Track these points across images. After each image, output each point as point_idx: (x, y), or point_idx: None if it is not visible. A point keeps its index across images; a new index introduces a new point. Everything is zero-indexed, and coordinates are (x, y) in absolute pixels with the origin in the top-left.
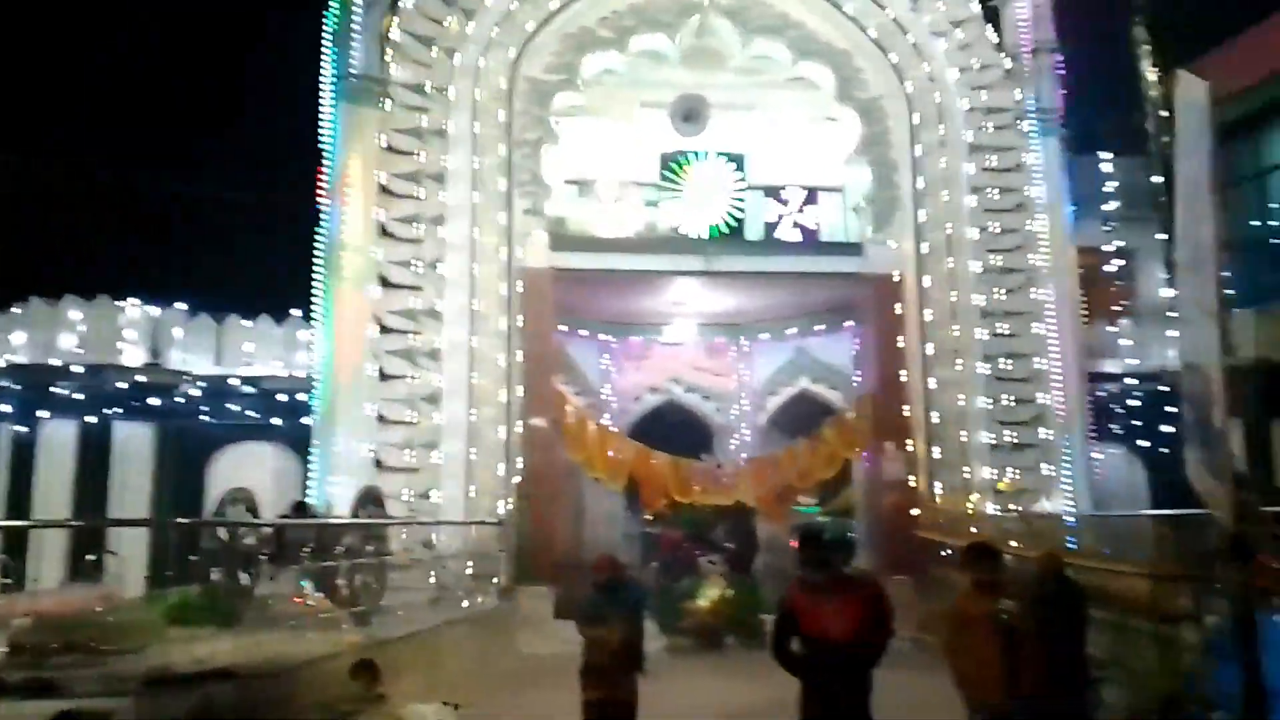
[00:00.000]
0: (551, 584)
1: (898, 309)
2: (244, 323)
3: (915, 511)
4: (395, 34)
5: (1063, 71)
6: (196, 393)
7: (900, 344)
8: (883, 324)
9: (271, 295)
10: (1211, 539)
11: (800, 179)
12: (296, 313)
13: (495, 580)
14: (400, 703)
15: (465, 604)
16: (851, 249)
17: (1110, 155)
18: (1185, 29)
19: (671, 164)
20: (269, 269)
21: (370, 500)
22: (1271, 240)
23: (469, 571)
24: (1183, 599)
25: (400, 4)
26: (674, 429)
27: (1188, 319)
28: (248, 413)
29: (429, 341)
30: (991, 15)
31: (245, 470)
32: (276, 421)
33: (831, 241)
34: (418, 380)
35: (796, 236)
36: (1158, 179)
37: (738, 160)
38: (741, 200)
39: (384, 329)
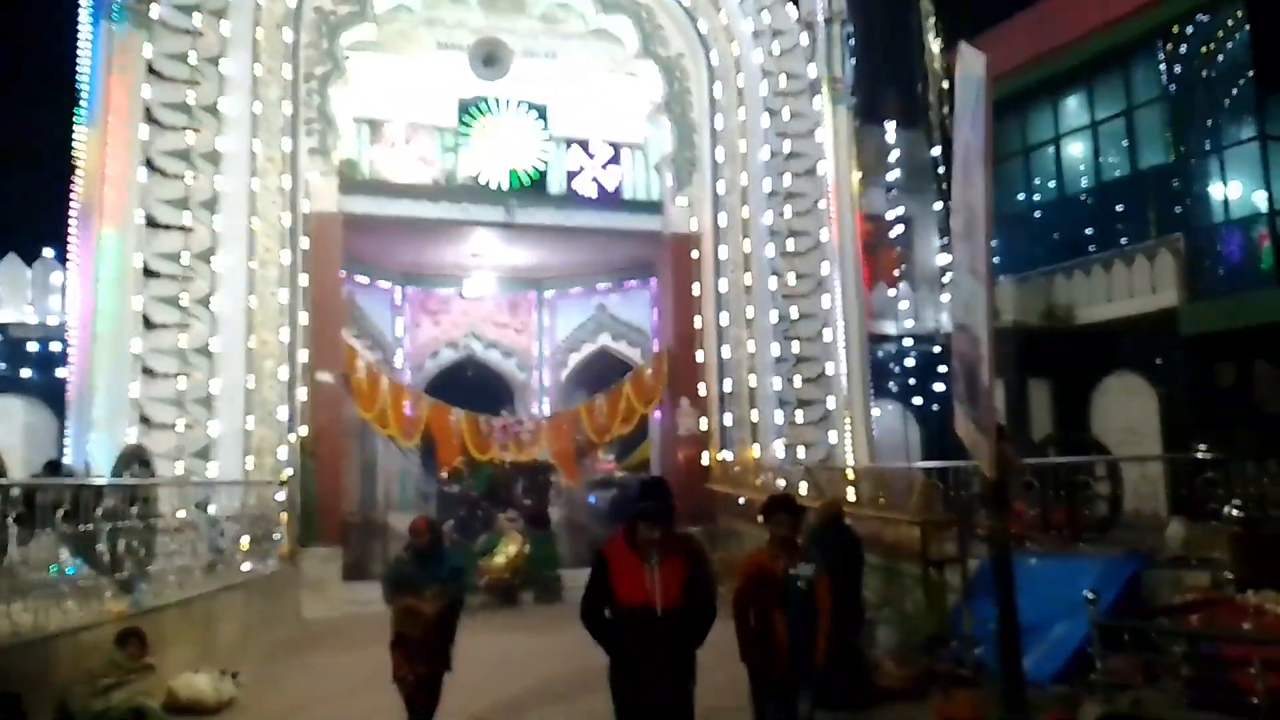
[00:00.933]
0: (339, 545)
1: (694, 267)
2: None
3: (706, 463)
4: None
5: (853, 43)
6: None
7: (696, 301)
8: (680, 281)
9: (20, 233)
10: (974, 489)
11: (603, 134)
12: (49, 253)
13: (277, 543)
14: (172, 673)
15: (245, 568)
16: (652, 207)
17: (894, 126)
18: (966, 6)
19: (471, 109)
20: (16, 203)
21: (135, 459)
22: (1034, 214)
23: (248, 535)
24: (948, 544)
25: None
26: (472, 385)
27: (959, 283)
28: None
29: (201, 288)
30: None
31: None
32: (26, 374)
33: (633, 200)
34: (189, 330)
35: (598, 192)
36: (936, 151)
37: (539, 110)
38: (544, 151)
39: (149, 273)
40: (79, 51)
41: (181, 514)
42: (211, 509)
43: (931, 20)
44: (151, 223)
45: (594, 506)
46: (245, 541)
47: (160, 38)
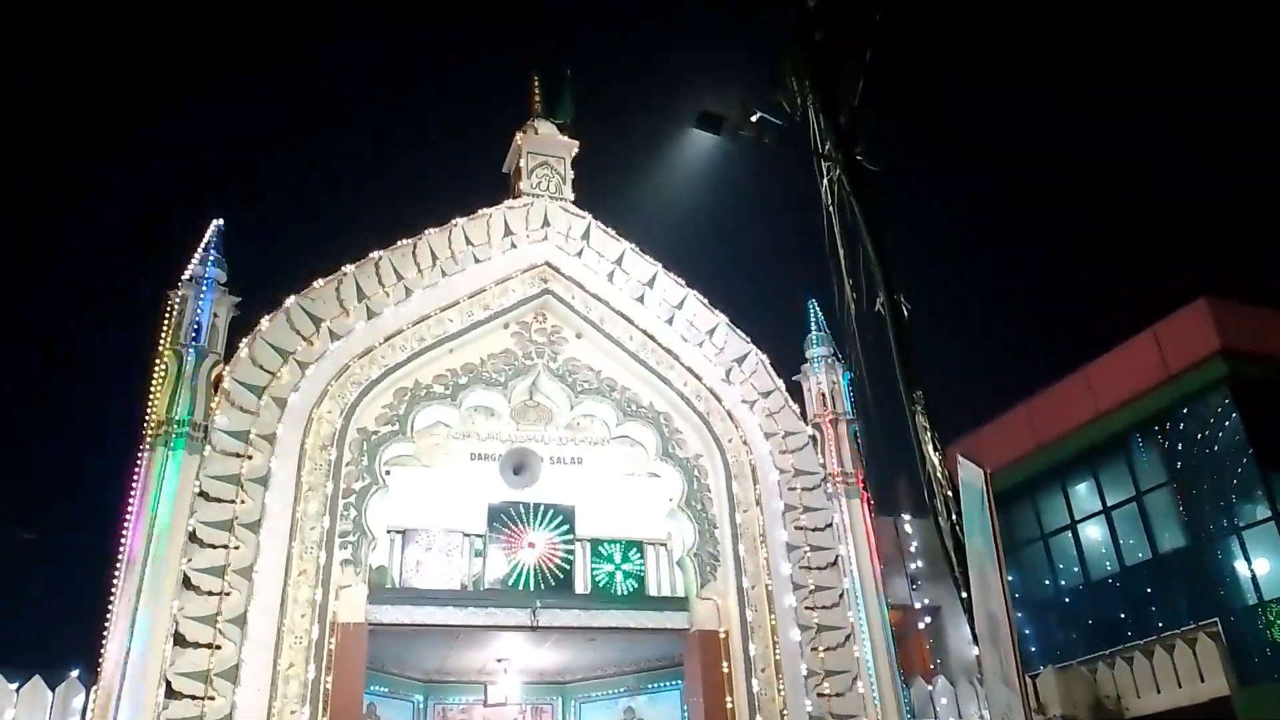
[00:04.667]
0: None
1: (723, 663)
2: (9, 685)
3: None
4: (227, 382)
5: (859, 441)
6: None
7: (728, 701)
8: (709, 679)
9: (49, 654)
10: None
11: (627, 531)
12: (74, 674)
13: None
14: None
15: None
16: (678, 603)
17: (908, 517)
18: (963, 403)
19: (500, 515)
20: (48, 625)
21: None
22: (1064, 599)
23: None
24: None
25: (237, 354)
26: None
27: (992, 688)
28: None
29: (220, 708)
30: (795, 389)
31: None
32: None
33: (658, 597)
34: None
35: (623, 590)
36: (949, 546)
37: (566, 512)
38: (570, 552)
39: (171, 692)
40: (134, 476)
41: None
42: None
43: (928, 434)
44: (180, 641)
45: None
46: None
47: (211, 462)
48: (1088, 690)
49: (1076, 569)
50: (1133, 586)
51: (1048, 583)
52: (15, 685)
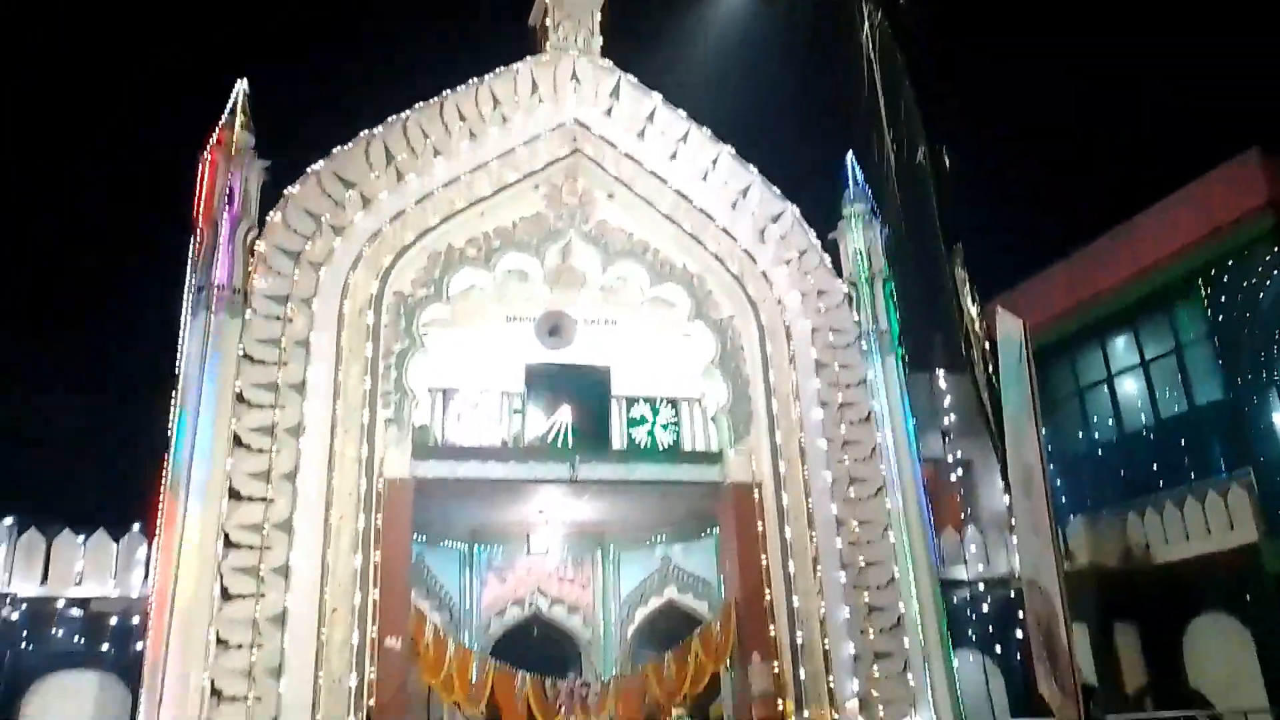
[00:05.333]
0: None
1: (757, 516)
2: (77, 539)
3: None
4: (261, 246)
5: (895, 298)
6: (16, 617)
7: (762, 553)
8: (743, 531)
9: (111, 511)
10: None
11: (661, 390)
12: (136, 527)
13: None
14: None
15: None
16: (712, 458)
17: (943, 373)
18: (1002, 259)
19: (537, 375)
20: (111, 484)
21: None
22: (1096, 452)
23: None
24: None
25: (269, 219)
26: (538, 644)
27: (1024, 539)
28: (74, 638)
29: (278, 557)
30: (831, 246)
31: (66, 703)
32: (104, 648)
33: (693, 452)
34: (265, 599)
35: (660, 445)
36: (985, 399)
37: (602, 372)
38: (606, 410)
39: (230, 543)
40: (181, 340)
41: None
42: None
43: (966, 286)
44: (235, 495)
45: None
46: None
47: (253, 326)
48: (1117, 539)
49: (1111, 422)
50: (1167, 439)
51: (1081, 436)
52: (81, 539)
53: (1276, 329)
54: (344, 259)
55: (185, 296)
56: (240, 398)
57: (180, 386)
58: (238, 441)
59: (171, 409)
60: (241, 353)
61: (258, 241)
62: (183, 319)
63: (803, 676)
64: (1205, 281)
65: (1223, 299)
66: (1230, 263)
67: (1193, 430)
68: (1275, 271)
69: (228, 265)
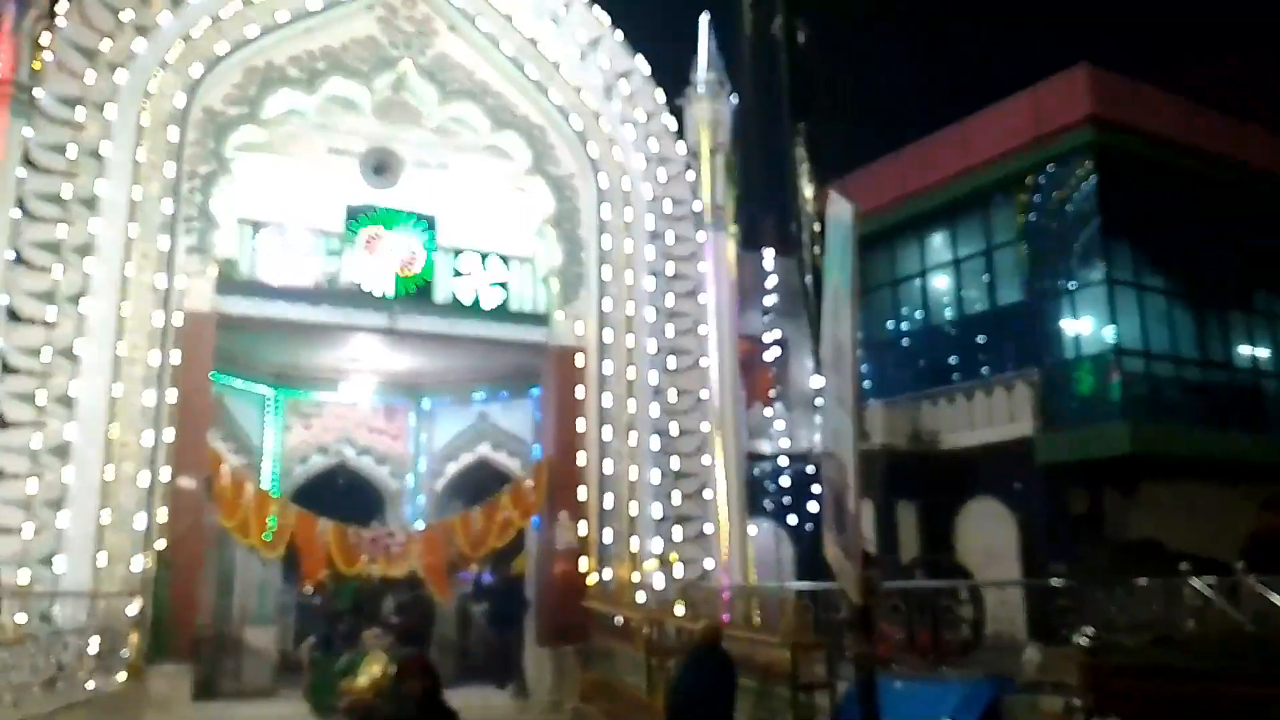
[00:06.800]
0: (190, 662)
1: (577, 380)
2: None
3: (585, 581)
4: (49, 39)
5: (736, 172)
6: None
7: (579, 417)
8: (563, 394)
9: None
10: (843, 612)
11: (491, 246)
12: None
13: (125, 657)
14: None
15: (90, 685)
16: (538, 320)
17: (772, 253)
18: (839, 147)
19: (358, 215)
20: None
21: None
22: (901, 341)
23: (94, 649)
24: (818, 667)
25: (57, 9)
26: (343, 493)
27: (828, 411)
28: None
29: (60, 385)
30: (677, 113)
31: None
32: None
33: (519, 312)
34: (45, 428)
35: (485, 303)
36: (808, 280)
37: (429, 219)
38: (431, 260)
39: (7, 368)
40: None
41: (21, 621)
42: (55, 619)
43: (805, 166)
44: (13, 315)
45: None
46: (90, 656)
47: (39, 126)
48: (909, 424)
49: (919, 314)
50: (967, 334)
51: (890, 325)
52: None
53: (1077, 240)
54: (147, 63)
55: None
56: (22, 206)
57: None
58: (18, 258)
59: None
60: (24, 159)
61: (46, 32)
62: None
63: (608, 536)
64: (1021, 187)
65: (1035, 207)
66: (1047, 171)
67: (991, 328)
68: (1086, 184)
69: (9, 57)
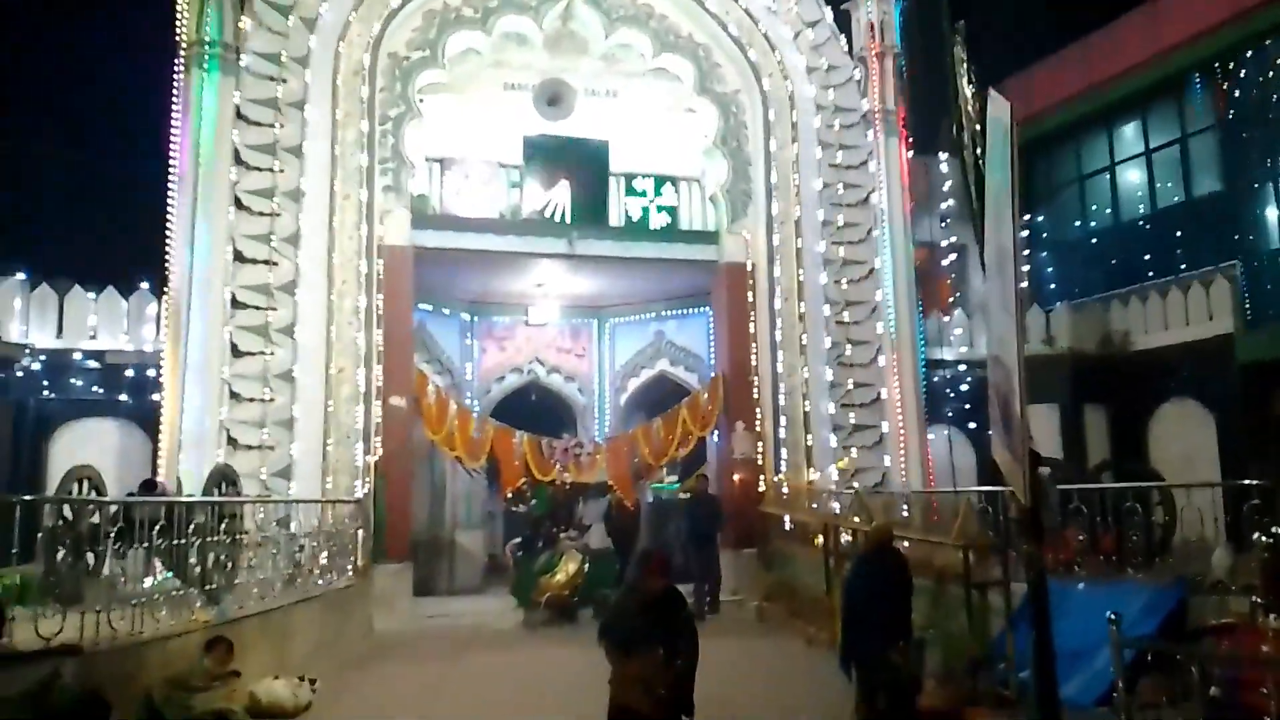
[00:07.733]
0: (408, 562)
1: (749, 294)
2: (88, 295)
3: (761, 487)
4: (254, 2)
5: (905, 77)
6: (38, 367)
7: (751, 329)
8: (735, 308)
9: (116, 267)
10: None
11: (661, 168)
12: (144, 286)
13: (351, 559)
14: (252, 679)
15: (320, 582)
16: (709, 237)
17: (946, 157)
18: (1015, 40)
19: (535, 147)
20: (115, 242)
21: (222, 479)
22: (1091, 240)
23: (324, 551)
24: (993, 568)
25: None
26: (536, 409)
27: (993, 316)
28: (92, 388)
29: (284, 318)
30: (842, 19)
31: (89, 448)
32: (122, 398)
33: (690, 230)
34: (273, 356)
35: (657, 224)
36: (971, 181)
37: (601, 145)
38: (605, 186)
39: (237, 304)
40: (174, 99)
41: (263, 529)
42: (291, 526)
43: (964, 66)
44: (239, 258)
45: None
46: (322, 557)
47: (246, 84)
48: (1099, 325)
49: (1109, 211)
50: (1161, 229)
51: (1078, 224)
52: (92, 295)
53: None
54: (337, 14)
55: (174, 49)
56: (238, 159)
57: (177, 147)
58: (238, 204)
59: (171, 169)
60: (236, 112)
61: None
62: (176, 77)
63: (783, 445)
64: (1218, 69)
65: (1235, 90)
66: (1249, 51)
67: (1188, 221)
68: None
69: (217, 17)
